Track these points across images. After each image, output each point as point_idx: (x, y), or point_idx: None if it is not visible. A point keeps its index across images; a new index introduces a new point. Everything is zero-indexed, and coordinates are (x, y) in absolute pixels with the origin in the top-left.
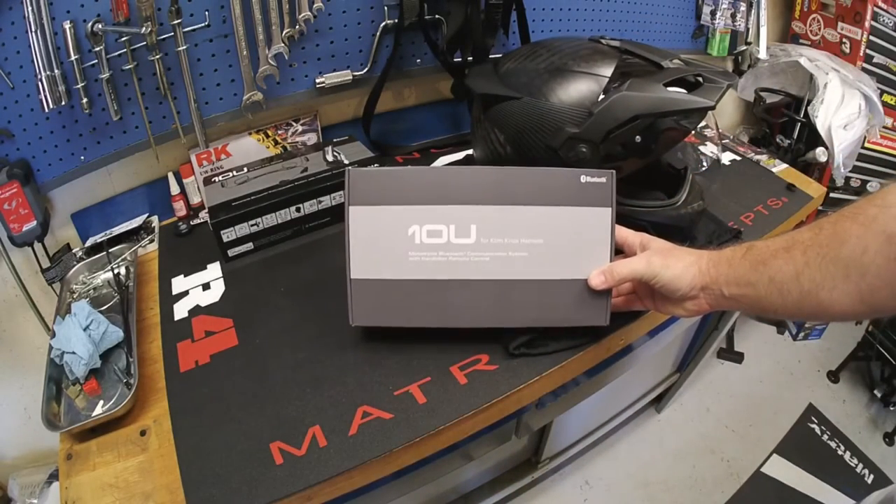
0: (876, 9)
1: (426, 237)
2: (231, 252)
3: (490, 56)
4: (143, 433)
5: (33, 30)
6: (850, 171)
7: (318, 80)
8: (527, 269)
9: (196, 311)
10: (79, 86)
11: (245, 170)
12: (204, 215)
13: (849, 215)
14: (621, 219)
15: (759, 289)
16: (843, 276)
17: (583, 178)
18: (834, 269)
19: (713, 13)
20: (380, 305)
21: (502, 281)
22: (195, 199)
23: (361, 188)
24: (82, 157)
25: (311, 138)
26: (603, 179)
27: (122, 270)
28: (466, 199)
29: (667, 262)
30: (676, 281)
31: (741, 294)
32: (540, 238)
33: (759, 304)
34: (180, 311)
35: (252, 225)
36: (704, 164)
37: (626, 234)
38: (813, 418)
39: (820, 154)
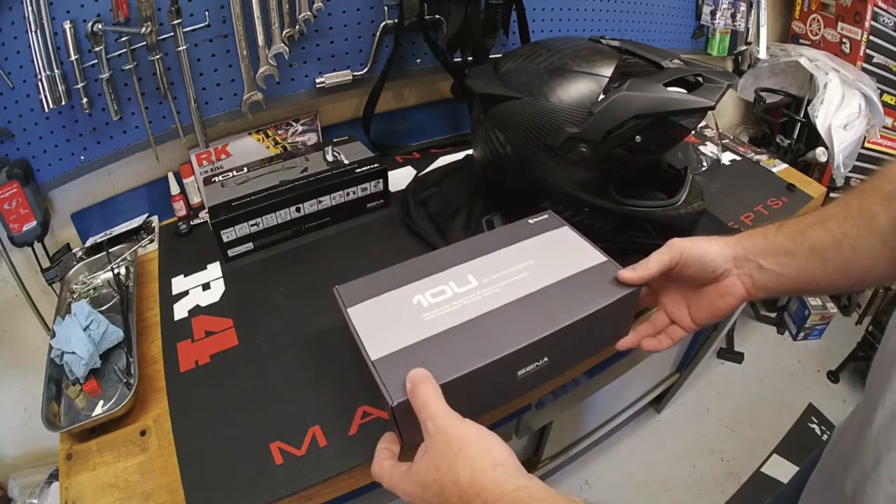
0: (876, 9)
1: (432, 298)
2: (231, 252)
3: (490, 56)
4: (143, 433)
5: (33, 30)
6: (850, 171)
7: (318, 80)
8: (536, 282)
9: (196, 311)
10: (79, 86)
11: (245, 170)
12: (204, 215)
13: (871, 189)
14: (621, 219)
15: (799, 258)
16: (882, 244)
17: (530, 221)
18: (872, 237)
19: (713, 13)
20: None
21: (522, 298)
22: (195, 199)
23: (352, 295)
24: (82, 157)
25: (311, 138)
26: (545, 216)
27: (122, 270)
28: (450, 263)
29: (693, 243)
30: (707, 256)
31: (780, 264)
32: (531, 259)
33: (801, 276)
34: (180, 311)
35: (252, 225)
36: (704, 164)
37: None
38: (813, 418)
39: (820, 154)
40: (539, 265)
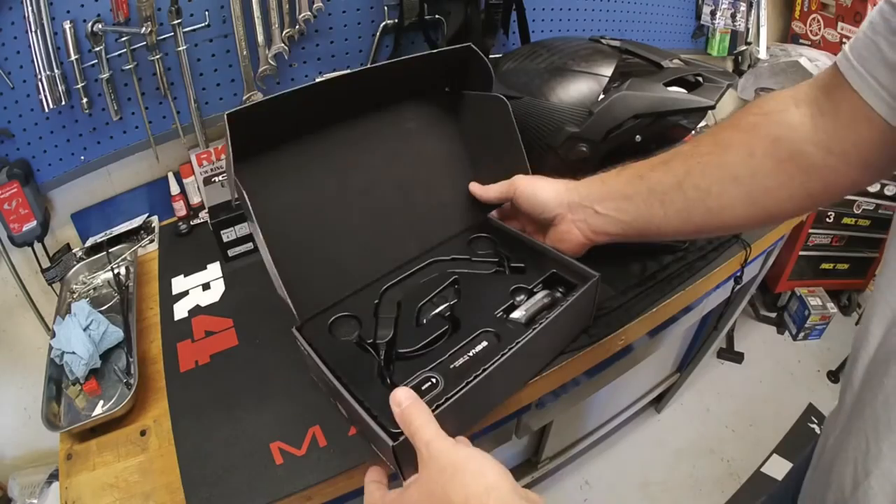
0: None
1: None
2: (231, 252)
3: (490, 56)
4: (143, 433)
5: (33, 30)
6: None
7: (318, 80)
8: None
9: (196, 311)
10: (79, 86)
11: None
12: (204, 215)
13: (727, 126)
14: None
15: (637, 201)
16: (732, 180)
17: None
18: (720, 172)
19: (713, 13)
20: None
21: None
22: (195, 199)
23: None
24: (82, 157)
25: None
26: None
27: (122, 270)
28: None
29: (530, 181)
30: (538, 196)
31: (616, 209)
32: None
33: (640, 220)
34: (180, 311)
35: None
36: None
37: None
38: (813, 418)
39: None
40: None
